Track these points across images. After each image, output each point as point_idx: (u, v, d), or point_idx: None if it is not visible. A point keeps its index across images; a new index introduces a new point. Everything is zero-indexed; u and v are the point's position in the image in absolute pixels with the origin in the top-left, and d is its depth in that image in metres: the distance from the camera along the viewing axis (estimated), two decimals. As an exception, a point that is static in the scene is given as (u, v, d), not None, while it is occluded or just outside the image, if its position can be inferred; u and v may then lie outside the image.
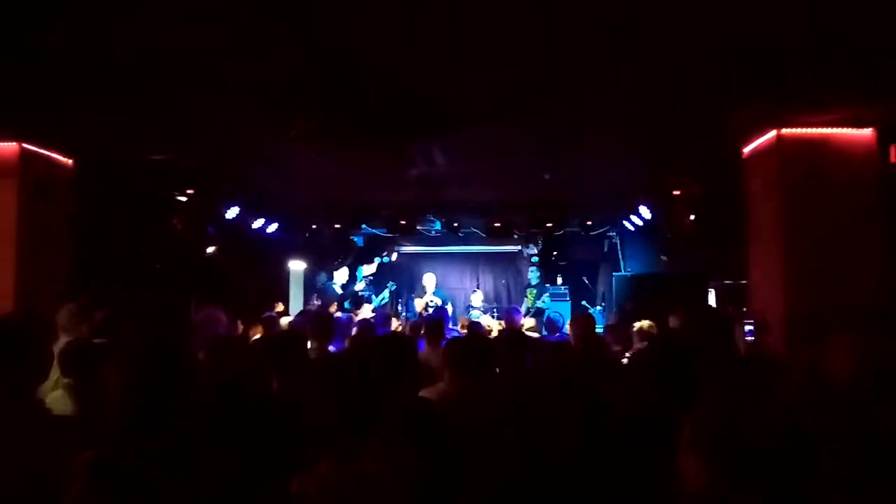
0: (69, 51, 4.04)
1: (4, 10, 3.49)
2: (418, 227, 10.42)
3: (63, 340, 3.80)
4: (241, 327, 6.63)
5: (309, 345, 4.13)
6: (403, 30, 3.83)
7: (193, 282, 8.07)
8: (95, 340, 3.82)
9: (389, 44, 4.08)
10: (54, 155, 6.16)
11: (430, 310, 9.87)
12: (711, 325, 3.58)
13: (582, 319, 5.47)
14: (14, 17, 3.58)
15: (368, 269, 11.30)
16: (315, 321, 4.87)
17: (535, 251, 11.71)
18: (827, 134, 5.53)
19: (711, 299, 8.63)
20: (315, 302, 10.43)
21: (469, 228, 10.82)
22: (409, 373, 2.52)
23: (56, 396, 3.06)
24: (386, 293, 11.08)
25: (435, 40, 3.99)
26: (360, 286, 10.95)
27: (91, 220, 6.67)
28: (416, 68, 4.47)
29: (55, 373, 3.41)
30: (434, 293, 10.57)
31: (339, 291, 10.51)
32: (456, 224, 10.25)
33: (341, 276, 10.78)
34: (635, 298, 8.78)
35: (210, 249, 8.67)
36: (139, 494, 1.61)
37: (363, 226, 10.75)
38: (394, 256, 12.36)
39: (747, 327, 5.72)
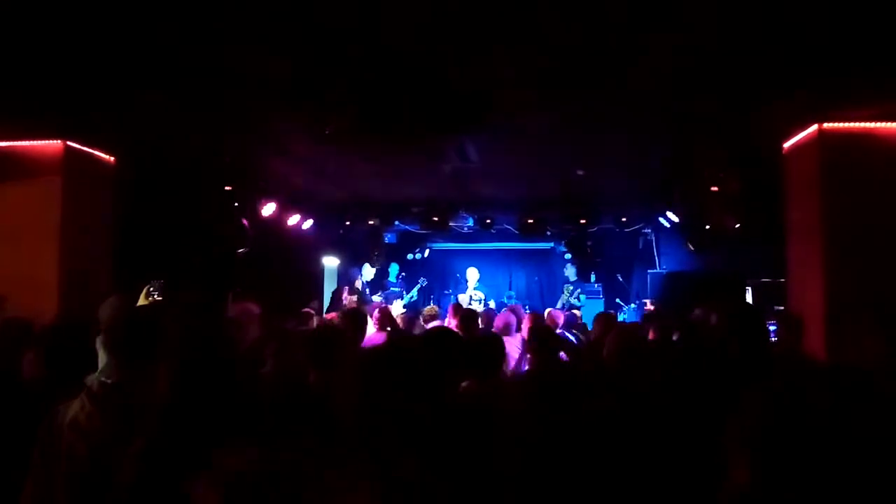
0: (110, 51, 4.14)
1: (49, 14, 3.59)
2: (451, 224, 10.45)
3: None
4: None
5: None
6: (435, 23, 3.84)
7: (230, 277, 8.19)
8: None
9: (422, 38, 4.09)
10: (97, 152, 6.31)
11: (473, 304, 9.98)
12: (749, 322, 3.51)
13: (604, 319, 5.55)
14: (57, 18, 3.68)
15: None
16: (348, 318, 4.68)
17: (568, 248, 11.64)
18: (870, 128, 5.39)
19: (749, 298, 8.47)
20: (348, 297, 10.49)
21: (502, 225, 10.80)
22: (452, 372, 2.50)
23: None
24: (415, 290, 11.14)
25: (467, 33, 3.99)
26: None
27: (131, 216, 6.82)
28: (449, 62, 4.48)
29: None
30: (476, 287, 10.70)
31: (364, 288, 10.59)
32: (489, 221, 10.24)
33: (368, 273, 10.87)
34: (670, 297, 8.66)
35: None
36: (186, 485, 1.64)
37: (396, 222, 10.82)
38: (426, 253, 12.40)
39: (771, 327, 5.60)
